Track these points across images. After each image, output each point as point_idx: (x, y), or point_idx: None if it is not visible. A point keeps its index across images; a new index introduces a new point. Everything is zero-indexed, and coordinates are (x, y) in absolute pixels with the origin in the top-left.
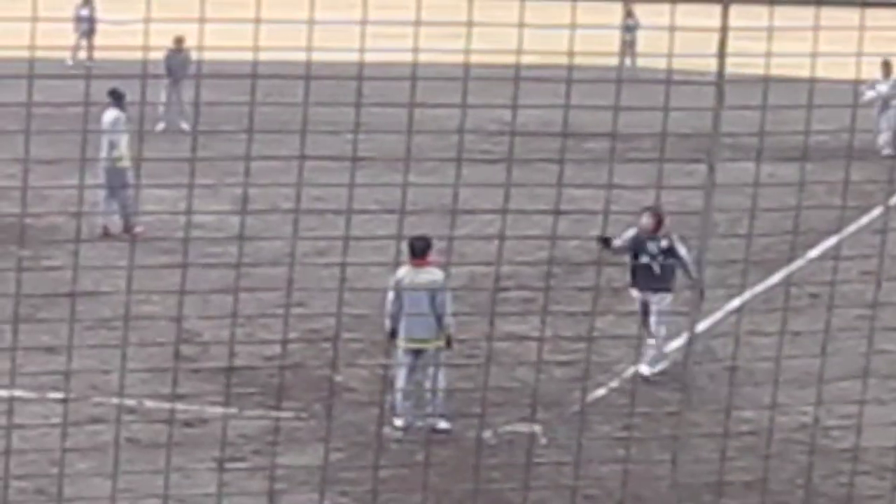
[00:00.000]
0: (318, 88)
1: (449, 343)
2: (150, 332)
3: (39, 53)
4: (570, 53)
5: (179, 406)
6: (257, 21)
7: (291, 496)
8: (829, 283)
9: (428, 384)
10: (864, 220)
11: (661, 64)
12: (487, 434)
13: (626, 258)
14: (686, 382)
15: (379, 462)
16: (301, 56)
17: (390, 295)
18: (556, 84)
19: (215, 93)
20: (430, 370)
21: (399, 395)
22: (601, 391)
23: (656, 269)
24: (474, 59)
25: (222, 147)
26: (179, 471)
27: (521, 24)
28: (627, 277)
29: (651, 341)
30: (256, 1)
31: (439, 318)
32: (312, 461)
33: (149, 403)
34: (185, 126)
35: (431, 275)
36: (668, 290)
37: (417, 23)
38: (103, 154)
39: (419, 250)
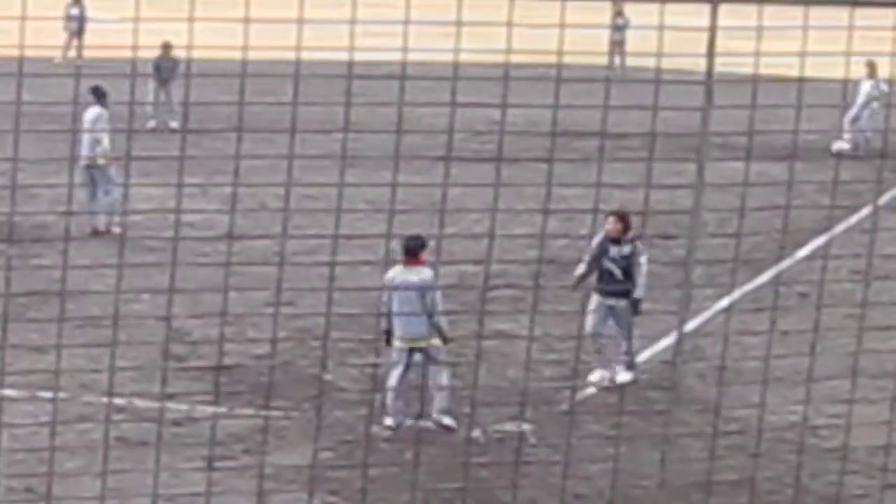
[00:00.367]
0: (307, 87)
1: (445, 340)
2: (140, 330)
3: (28, 52)
4: (560, 53)
5: (169, 405)
6: (247, 20)
7: (281, 495)
8: (818, 283)
9: (429, 383)
10: (854, 219)
11: (651, 63)
12: (477, 433)
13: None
14: (675, 382)
15: (368, 461)
16: (291, 55)
17: (384, 296)
18: (546, 83)
19: (205, 92)
20: (431, 368)
21: (390, 395)
22: (590, 390)
23: (618, 274)
24: (464, 58)
25: (212, 146)
26: (168, 470)
27: (511, 24)
28: (593, 281)
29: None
30: (246, 0)
31: (431, 317)
32: (302, 460)
33: (138, 402)
34: (174, 124)
35: (421, 274)
36: (627, 296)
37: (407, 22)
38: (84, 152)
39: (412, 250)
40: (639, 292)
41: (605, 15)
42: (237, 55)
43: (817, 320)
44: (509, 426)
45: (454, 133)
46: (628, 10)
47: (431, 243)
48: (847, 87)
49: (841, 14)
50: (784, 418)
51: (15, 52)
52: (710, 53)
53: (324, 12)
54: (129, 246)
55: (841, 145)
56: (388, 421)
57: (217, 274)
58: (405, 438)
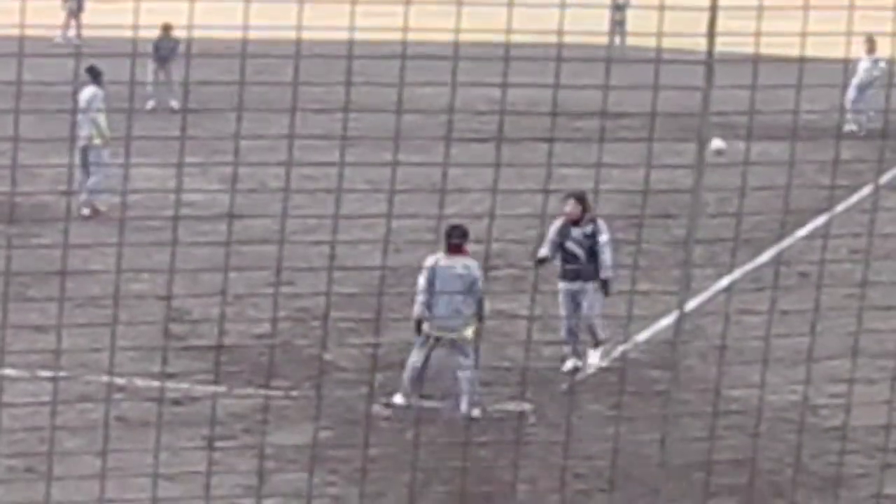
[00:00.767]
0: (307, 67)
1: (479, 333)
2: (140, 310)
3: (27, 31)
4: (560, 32)
5: (169, 384)
6: (247, 0)
7: (281, 474)
8: (818, 262)
9: (459, 373)
10: (854, 198)
11: (651, 43)
12: (477, 412)
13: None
14: (675, 361)
15: (368, 440)
16: (291, 34)
17: (422, 281)
18: (546, 63)
19: (205, 71)
20: (459, 360)
21: (409, 375)
22: (590, 370)
23: (582, 256)
24: (464, 37)
25: (211, 125)
26: (169, 449)
27: (511, 3)
28: (558, 267)
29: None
30: None
31: (472, 308)
32: (302, 439)
33: (138, 382)
34: (174, 104)
35: (467, 264)
36: (593, 278)
37: (408, 1)
38: (83, 132)
39: (456, 239)
40: (606, 272)
41: None
42: (237, 35)
43: (817, 300)
44: (509, 406)
45: (454, 113)
46: None
47: (428, 222)
48: (847, 66)
49: None
50: (784, 398)
51: (15, 32)
52: (711, 33)
53: None
54: (129, 226)
55: (850, 127)
56: (399, 399)
57: (217, 253)
58: (405, 418)
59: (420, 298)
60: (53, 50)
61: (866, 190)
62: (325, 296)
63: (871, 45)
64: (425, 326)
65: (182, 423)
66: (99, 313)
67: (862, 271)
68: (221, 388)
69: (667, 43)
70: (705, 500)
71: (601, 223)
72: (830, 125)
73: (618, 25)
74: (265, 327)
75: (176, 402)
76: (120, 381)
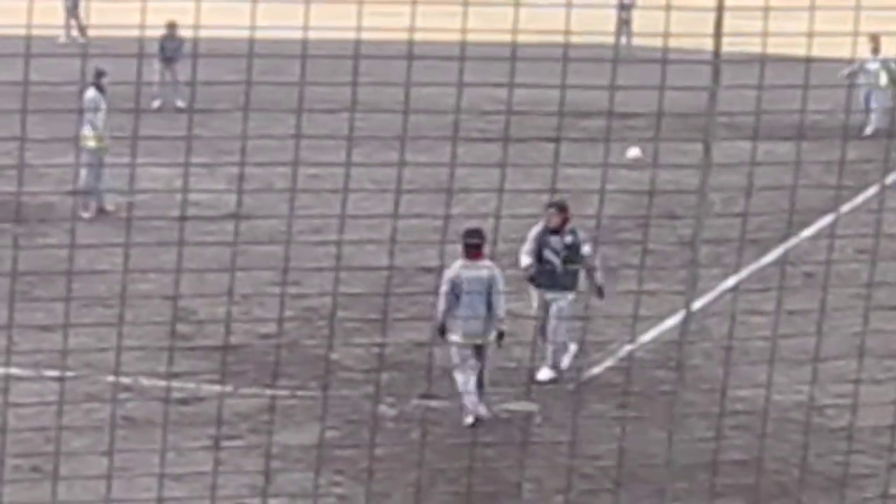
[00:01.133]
0: (314, 67)
1: (501, 338)
2: (146, 310)
3: (32, 31)
4: (566, 32)
5: (175, 384)
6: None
7: (287, 474)
8: (824, 262)
9: (477, 374)
10: (860, 198)
11: (657, 43)
12: (482, 410)
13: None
14: (681, 361)
15: (374, 440)
16: (297, 34)
17: (444, 289)
18: (552, 63)
19: (211, 71)
20: (484, 360)
21: (467, 397)
22: (597, 370)
23: (558, 266)
24: (470, 37)
25: (218, 125)
26: (175, 449)
27: (518, 3)
28: (527, 263)
29: (549, 346)
30: None
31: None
32: (308, 439)
33: (144, 381)
34: (180, 104)
35: (489, 269)
36: (569, 288)
37: (414, 1)
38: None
39: (474, 244)
40: (599, 278)
41: None
42: (244, 34)
43: (823, 300)
44: (516, 406)
45: (460, 113)
46: None
47: (434, 222)
48: (853, 66)
49: None
50: (790, 398)
51: (20, 32)
52: (717, 33)
53: None
54: (136, 225)
55: (870, 129)
56: (469, 419)
57: (223, 253)
58: (411, 418)
59: (441, 307)
60: (58, 50)
61: (872, 190)
62: (331, 295)
63: (875, 45)
64: (455, 337)
65: (188, 423)
66: (105, 313)
67: (868, 271)
68: (227, 388)
69: (673, 43)
70: (711, 500)
71: (581, 233)
72: (836, 125)
73: (624, 25)
74: (271, 327)
75: (182, 402)
76: (126, 380)
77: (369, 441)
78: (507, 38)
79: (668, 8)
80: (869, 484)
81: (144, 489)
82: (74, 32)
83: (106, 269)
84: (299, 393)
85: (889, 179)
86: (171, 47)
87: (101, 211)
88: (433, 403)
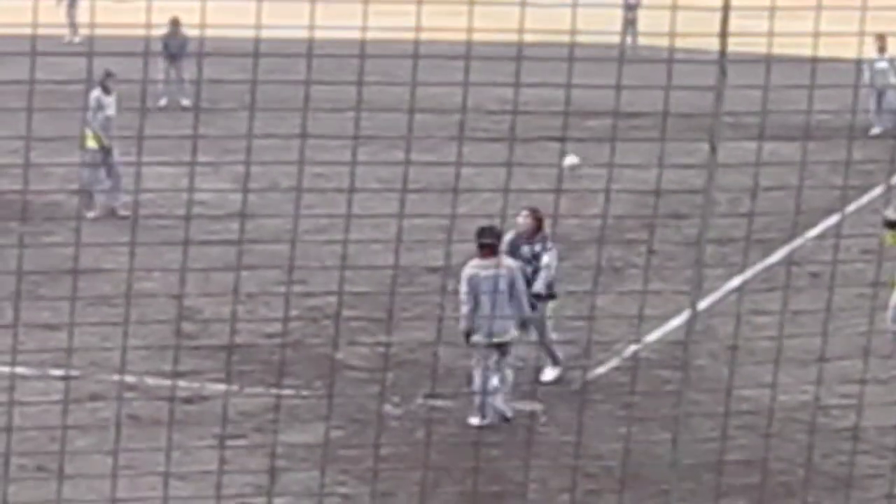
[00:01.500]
0: (319, 66)
1: (525, 326)
2: (151, 309)
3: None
4: (572, 32)
5: (180, 383)
6: None
7: (292, 474)
8: (829, 263)
9: (502, 373)
10: (865, 199)
11: (663, 42)
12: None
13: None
14: (686, 361)
15: (379, 440)
16: (303, 33)
17: (464, 290)
18: (558, 62)
19: (216, 70)
20: (507, 359)
21: (479, 396)
22: (601, 370)
23: (528, 273)
24: (476, 37)
25: (223, 124)
26: (179, 448)
27: (523, 3)
28: None
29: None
30: None
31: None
32: (313, 439)
33: (149, 380)
34: (186, 102)
35: (506, 264)
36: (539, 297)
37: (420, 1)
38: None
39: (488, 243)
40: (538, 286)
41: None
42: (249, 33)
43: (829, 300)
44: (520, 405)
45: (466, 112)
46: None
47: (440, 221)
48: (860, 66)
49: None
50: (795, 398)
51: (20, 30)
52: (723, 33)
53: None
54: (141, 225)
55: (876, 130)
56: (475, 420)
57: (228, 252)
58: (416, 417)
59: (465, 310)
60: (64, 49)
61: (878, 190)
62: (336, 295)
63: (882, 44)
64: (478, 338)
65: (193, 422)
66: (110, 312)
67: (873, 271)
68: (233, 387)
69: (679, 43)
70: (716, 500)
71: (550, 242)
72: (842, 125)
73: (629, 25)
74: (276, 326)
75: (187, 401)
76: (131, 379)
77: (374, 440)
78: (512, 37)
79: (673, 8)
80: (874, 484)
81: (149, 488)
82: (71, 35)
83: (111, 268)
84: (304, 392)
85: (894, 179)
86: (175, 45)
87: (114, 214)
88: (438, 403)
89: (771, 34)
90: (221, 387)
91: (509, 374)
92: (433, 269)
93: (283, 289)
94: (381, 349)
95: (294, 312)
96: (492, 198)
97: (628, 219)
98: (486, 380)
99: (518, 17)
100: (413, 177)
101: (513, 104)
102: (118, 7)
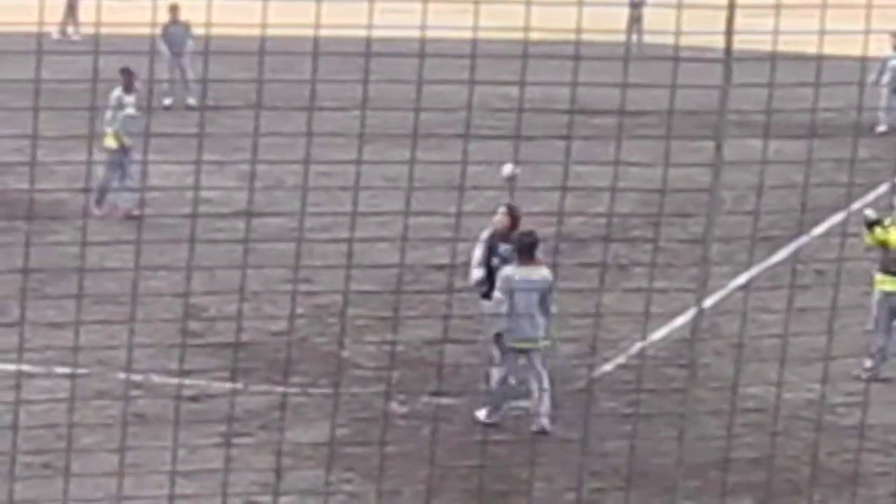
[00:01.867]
0: (324, 64)
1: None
2: (157, 307)
3: (31, 28)
4: (578, 30)
5: (186, 381)
6: None
7: (297, 472)
8: (834, 260)
9: (535, 384)
10: (871, 196)
11: (669, 40)
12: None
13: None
14: (692, 359)
15: (385, 438)
16: (308, 32)
17: (500, 287)
18: (564, 60)
19: (222, 68)
20: (537, 370)
21: (496, 391)
22: (607, 367)
23: None
24: (481, 35)
25: (228, 122)
26: (185, 446)
27: (529, 1)
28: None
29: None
30: None
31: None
32: (318, 437)
33: (155, 378)
34: (191, 101)
35: (542, 272)
36: None
37: None
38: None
39: (528, 248)
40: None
41: None
42: (255, 32)
43: (834, 298)
44: (525, 403)
45: (472, 110)
46: None
47: (446, 219)
48: (866, 64)
49: None
50: (801, 396)
51: (22, 29)
52: (729, 31)
53: None
54: (146, 223)
55: (882, 128)
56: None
57: (234, 251)
58: (422, 415)
59: (498, 310)
60: (70, 47)
61: (883, 188)
62: (342, 293)
63: None
64: (508, 342)
65: (199, 420)
66: (116, 310)
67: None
68: (238, 385)
69: (684, 41)
70: (722, 497)
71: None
72: (847, 123)
73: (635, 23)
74: (282, 324)
75: (193, 399)
76: (137, 377)
77: (380, 438)
78: (518, 35)
79: (679, 6)
80: (880, 482)
81: (155, 486)
82: (70, 29)
83: (117, 266)
84: (310, 390)
85: None
86: (176, 33)
87: (127, 216)
88: (444, 401)
89: (776, 32)
90: (227, 385)
91: (546, 386)
92: (439, 267)
93: (288, 287)
94: (387, 347)
95: (300, 310)
96: (497, 196)
97: (634, 217)
98: (504, 380)
99: (524, 16)
100: (418, 175)
101: (518, 102)
102: (121, 6)
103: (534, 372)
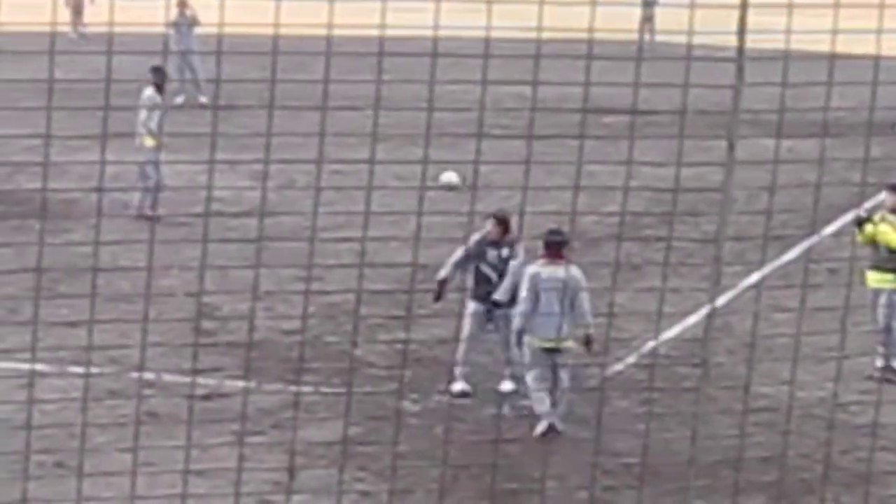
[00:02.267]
0: (337, 63)
1: (589, 343)
2: (169, 306)
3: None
4: (590, 30)
5: (198, 380)
6: None
7: (310, 470)
8: (847, 259)
9: (561, 384)
10: (883, 195)
11: (681, 39)
12: (506, 409)
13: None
14: (704, 358)
15: (397, 437)
16: (321, 31)
17: (525, 287)
18: (576, 59)
19: (233, 67)
20: (561, 371)
21: (538, 398)
22: (619, 366)
23: (495, 280)
24: (494, 34)
25: (240, 121)
26: (198, 445)
27: (542, 1)
28: (469, 285)
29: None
30: None
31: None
32: (331, 435)
33: (168, 377)
34: (203, 100)
35: (570, 271)
36: (498, 304)
37: None
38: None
39: (555, 245)
40: (498, 294)
41: None
42: (268, 31)
43: (847, 297)
44: (529, 402)
45: (484, 110)
46: None
47: (459, 219)
48: (879, 63)
49: None
50: (813, 394)
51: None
52: (741, 30)
53: None
54: (159, 221)
55: None
56: (541, 427)
57: (246, 249)
58: (434, 414)
59: (521, 308)
60: (81, 46)
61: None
62: (354, 292)
63: None
64: (532, 341)
65: (211, 419)
66: (129, 309)
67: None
68: (251, 384)
69: (697, 40)
70: (735, 496)
71: (519, 247)
72: (860, 121)
73: (647, 22)
74: (295, 323)
75: (205, 398)
76: (150, 376)
77: (392, 437)
78: (531, 35)
79: (692, 6)
80: (893, 480)
81: (168, 485)
82: (81, 29)
83: (129, 265)
84: (322, 389)
85: None
86: (183, 24)
87: (147, 218)
88: (456, 400)
89: (789, 31)
90: (240, 384)
91: (567, 386)
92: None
93: (301, 286)
94: (400, 346)
95: (312, 309)
96: (509, 195)
97: (646, 216)
98: (540, 382)
99: (536, 15)
100: (431, 174)
101: (531, 101)
102: (131, 4)
103: (556, 372)
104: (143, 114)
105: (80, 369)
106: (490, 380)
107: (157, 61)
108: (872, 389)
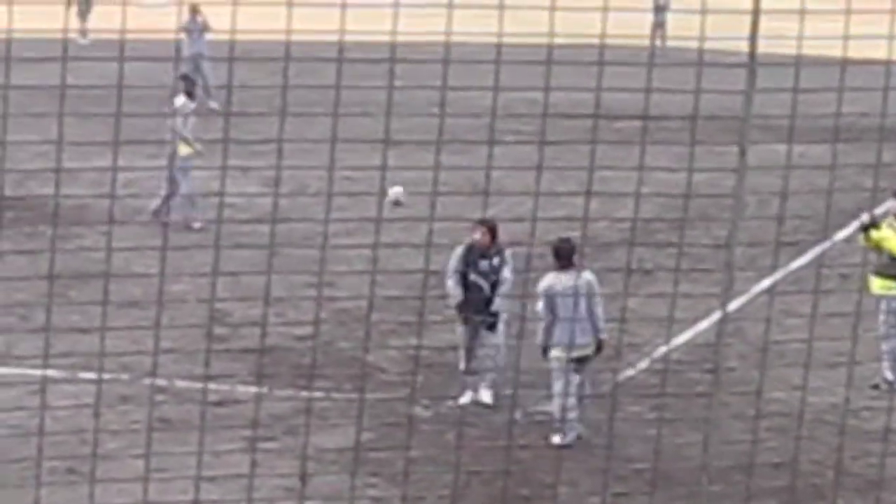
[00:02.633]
0: (349, 69)
1: (600, 349)
2: (181, 312)
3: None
4: (602, 35)
5: (210, 386)
6: (289, 3)
7: (322, 476)
8: (859, 264)
9: (579, 390)
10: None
11: (692, 44)
12: (518, 414)
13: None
14: (716, 363)
15: (409, 442)
16: (333, 37)
17: (542, 303)
18: (587, 65)
19: (245, 73)
20: (581, 376)
21: (565, 412)
22: (631, 372)
23: (486, 289)
24: (505, 40)
25: (252, 127)
26: (210, 451)
27: (553, 7)
28: (459, 295)
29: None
30: None
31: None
32: (343, 441)
33: (180, 383)
34: (214, 105)
35: (583, 277)
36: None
37: (450, 5)
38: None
39: (566, 254)
40: (497, 304)
41: None
42: (279, 37)
43: (859, 302)
44: (550, 407)
45: (496, 115)
46: None
47: (463, 223)
48: (890, 68)
49: None
50: (825, 400)
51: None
52: (753, 36)
53: None
54: (171, 227)
55: None
56: (557, 438)
57: (258, 255)
58: (446, 420)
59: (542, 324)
60: (79, 52)
61: None
62: (366, 298)
63: None
64: (558, 352)
65: (223, 425)
66: (141, 315)
67: None
68: (263, 390)
69: (708, 45)
70: (747, 501)
71: (508, 254)
72: (872, 126)
73: (659, 28)
74: (306, 329)
75: (217, 404)
76: (162, 382)
77: (404, 443)
78: (542, 40)
79: (703, 11)
80: None
81: (180, 491)
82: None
83: (141, 271)
84: (334, 395)
85: None
86: (194, 30)
87: (164, 223)
88: (469, 405)
89: (800, 37)
90: (252, 390)
91: (587, 390)
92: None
93: (313, 292)
94: (411, 352)
95: (324, 315)
96: (520, 200)
97: (658, 221)
98: (567, 396)
99: (548, 20)
100: (442, 179)
101: (542, 106)
102: (141, 11)
103: (580, 379)
104: (178, 122)
105: (92, 375)
106: (500, 385)
107: (167, 68)
108: (884, 395)
